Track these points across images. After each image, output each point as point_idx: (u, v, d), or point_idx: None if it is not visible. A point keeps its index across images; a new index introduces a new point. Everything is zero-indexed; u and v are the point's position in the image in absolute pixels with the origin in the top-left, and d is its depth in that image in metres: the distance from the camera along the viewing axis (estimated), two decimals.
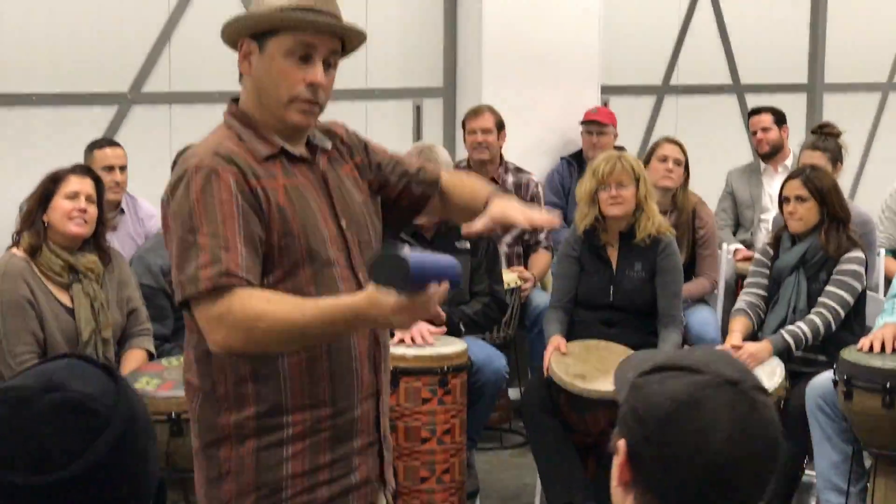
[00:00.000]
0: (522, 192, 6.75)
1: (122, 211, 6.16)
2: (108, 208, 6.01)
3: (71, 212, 4.76)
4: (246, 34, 2.80)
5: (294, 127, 2.82)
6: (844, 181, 9.31)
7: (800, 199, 5.35)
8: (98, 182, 4.92)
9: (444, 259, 2.55)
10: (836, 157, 6.23)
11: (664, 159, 6.37)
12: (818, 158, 6.17)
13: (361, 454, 2.91)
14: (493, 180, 6.58)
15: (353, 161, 3.01)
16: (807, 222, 5.36)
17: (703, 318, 6.22)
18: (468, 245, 5.59)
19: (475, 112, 6.88)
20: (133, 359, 4.84)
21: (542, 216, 3.03)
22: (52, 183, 4.81)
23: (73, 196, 4.79)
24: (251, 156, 2.76)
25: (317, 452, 2.81)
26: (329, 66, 2.83)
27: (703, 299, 6.48)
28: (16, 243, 4.78)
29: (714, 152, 8.33)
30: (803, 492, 5.40)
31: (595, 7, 7.81)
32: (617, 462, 1.76)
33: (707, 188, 7.49)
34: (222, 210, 2.65)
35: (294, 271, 2.76)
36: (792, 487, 5.26)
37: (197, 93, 6.92)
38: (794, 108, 9.00)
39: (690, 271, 6.42)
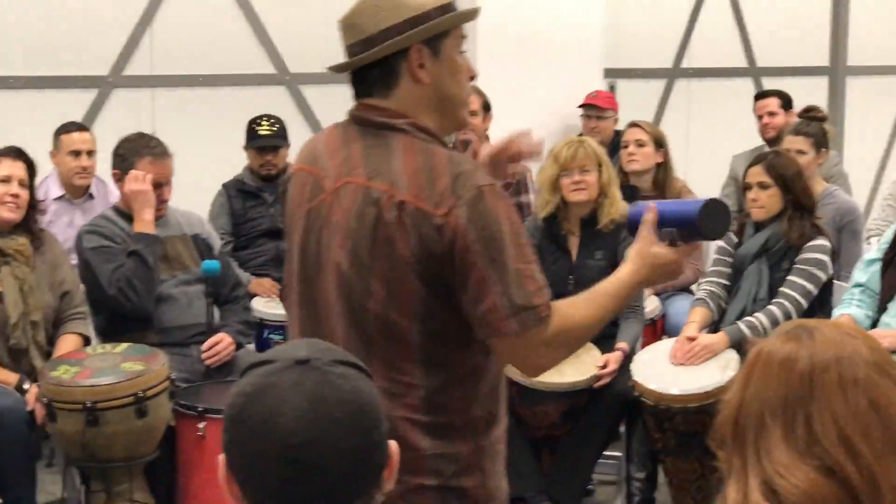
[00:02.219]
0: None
1: (92, 196, 6.08)
2: (75, 193, 6.00)
3: (2, 196, 4.72)
4: (421, 40, 2.52)
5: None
6: (867, 166, 9.05)
7: (762, 185, 5.12)
8: (31, 166, 4.87)
9: None
10: (821, 143, 5.96)
11: (625, 145, 6.19)
12: (801, 143, 5.92)
13: None
14: None
15: None
16: (769, 210, 5.13)
17: (682, 308, 5.97)
18: None
19: None
20: (66, 344, 4.77)
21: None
22: None
23: (6, 180, 4.75)
24: None
25: None
26: None
27: (686, 288, 6.28)
28: None
29: (728, 137, 8.08)
30: None
31: None
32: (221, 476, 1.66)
33: (722, 174, 7.27)
34: (521, 233, 2.49)
35: None
36: None
37: (179, 76, 6.87)
38: (816, 92, 8.73)
39: None
